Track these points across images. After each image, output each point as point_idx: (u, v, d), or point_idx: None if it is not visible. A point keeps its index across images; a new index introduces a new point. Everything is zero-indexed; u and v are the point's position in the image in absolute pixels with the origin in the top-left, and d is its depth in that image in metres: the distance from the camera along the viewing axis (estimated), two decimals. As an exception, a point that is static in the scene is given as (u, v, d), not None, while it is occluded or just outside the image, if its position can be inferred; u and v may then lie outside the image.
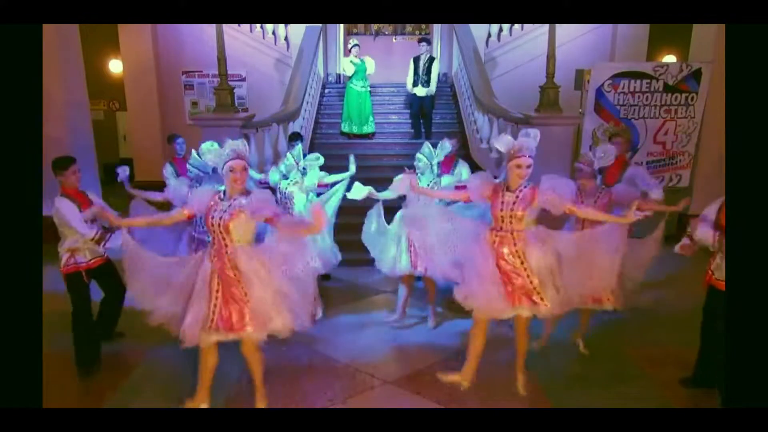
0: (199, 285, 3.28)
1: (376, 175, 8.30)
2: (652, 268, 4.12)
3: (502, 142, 3.46)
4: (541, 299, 3.45)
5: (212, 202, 3.33)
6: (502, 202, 3.47)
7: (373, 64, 9.13)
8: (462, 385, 3.77)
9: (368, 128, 9.08)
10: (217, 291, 3.23)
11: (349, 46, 9.20)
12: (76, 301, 4.13)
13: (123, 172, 5.13)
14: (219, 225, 3.23)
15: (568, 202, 3.42)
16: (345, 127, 9.13)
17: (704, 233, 3.54)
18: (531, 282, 3.44)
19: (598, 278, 3.60)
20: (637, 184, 4.57)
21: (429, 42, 9.18)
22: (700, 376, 3.80)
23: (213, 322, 3.22)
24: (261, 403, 3.57)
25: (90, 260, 4.13)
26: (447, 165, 5.48)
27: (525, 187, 3.46)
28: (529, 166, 3.41)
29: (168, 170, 5.80)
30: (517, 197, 3.44)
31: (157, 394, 3.84)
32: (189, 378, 3.96)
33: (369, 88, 9.10)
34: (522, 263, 3.45)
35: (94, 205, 4.04)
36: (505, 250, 3.48)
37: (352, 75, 8.96)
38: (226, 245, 3.24)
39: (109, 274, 4.33)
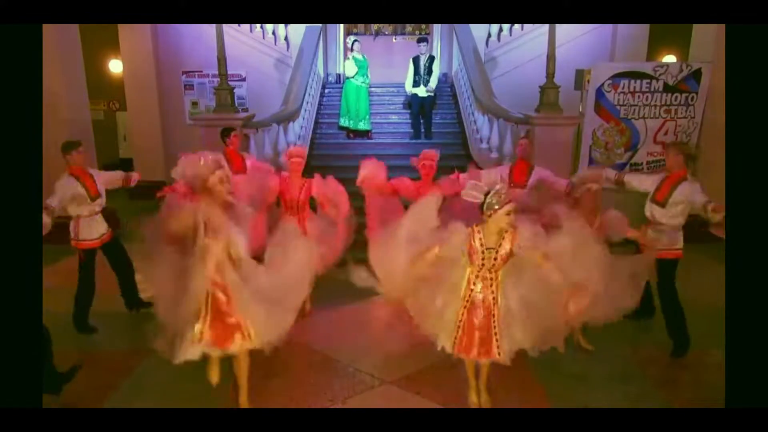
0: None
1: (376, 175, 8.32)
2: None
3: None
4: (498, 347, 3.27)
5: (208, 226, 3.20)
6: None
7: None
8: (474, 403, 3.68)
9: (363, 125, 9.04)
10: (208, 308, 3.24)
11: (349, 43, 9.21)
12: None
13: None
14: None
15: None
16: (342, 122, 9.13)
17: None
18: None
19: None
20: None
21: (428, 41, 9.19)
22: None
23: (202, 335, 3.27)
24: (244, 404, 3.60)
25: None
26: (520, 172, 5.36)
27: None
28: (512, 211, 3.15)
29: (71, 183, 4.60)
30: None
31: (157, 394, 3.84)
32: (189, 378, 3.96)
33: (368, 85, 9.10)
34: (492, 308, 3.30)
35: None
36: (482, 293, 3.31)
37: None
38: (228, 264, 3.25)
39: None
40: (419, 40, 9.17)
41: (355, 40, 9.11)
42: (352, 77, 8.95)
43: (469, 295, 3.28)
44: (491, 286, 3.25)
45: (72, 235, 4.69)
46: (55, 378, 3.79)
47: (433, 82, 8.87)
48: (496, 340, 3.25)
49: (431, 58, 8.91)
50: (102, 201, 4.77)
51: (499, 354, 3.25)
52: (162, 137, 9.91)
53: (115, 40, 9.72)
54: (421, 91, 8.82)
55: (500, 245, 3.18)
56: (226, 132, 5.87)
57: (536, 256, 3.16)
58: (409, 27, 11.60)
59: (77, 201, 4.57)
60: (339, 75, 10.70)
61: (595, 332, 4.52)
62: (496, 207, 3.08)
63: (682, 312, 4.31)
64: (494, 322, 3.25)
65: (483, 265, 3.21)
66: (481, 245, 3.18)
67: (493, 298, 3.25)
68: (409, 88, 8.96)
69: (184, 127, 9.61)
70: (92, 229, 4.70)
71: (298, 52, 9.63)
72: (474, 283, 3.27)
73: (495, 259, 3.19)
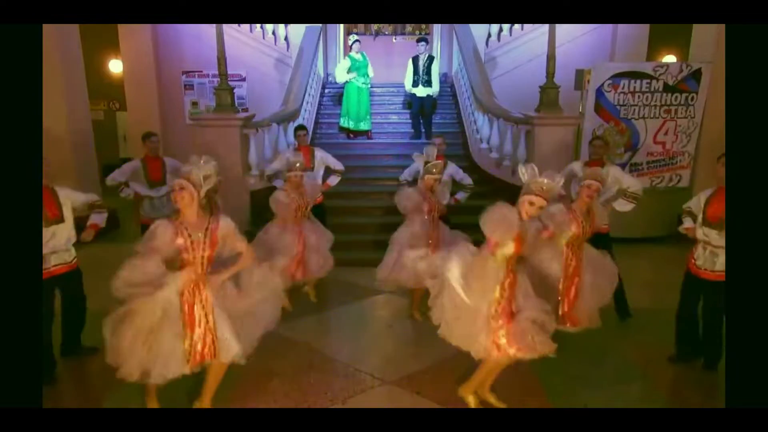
0: (162, 316, 3.05)
1: (375, 175, 8.33)
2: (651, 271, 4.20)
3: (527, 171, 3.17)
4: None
5: (181, 234, 3.07)
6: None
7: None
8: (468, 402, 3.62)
9: (364, 125, 9.06)
10: (205, 320, 3.15)
11: (350, 42, 9.23)
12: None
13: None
14: (203, 260, 3.12)
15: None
16: (343, 123, 9.15)
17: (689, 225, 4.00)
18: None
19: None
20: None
21: (427, 41, 9.21)
22: (682, 352, 4.20)
23: (192, 355, 3.13)
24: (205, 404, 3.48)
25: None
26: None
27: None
28: (541, 208, 3.12)
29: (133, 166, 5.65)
30: None
31: (157, 394, 3.83)
32: (189, 378, 3.95)
33: (369, 86, 9.10)
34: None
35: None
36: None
37: (354, 70, 8.96)
38: (205, 276, 3.17)
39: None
40: (419, 40, 9.17)
41: (355, 40, 9.13)
42: (350, 80, 8.95)
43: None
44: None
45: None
46: (74, 346, 4.20)
47: (436, 86, 8.90)
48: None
49: (430, 58, 8.91)
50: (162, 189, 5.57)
51: None
52: (162, 137, 9.87)
53: (115, 40, 9.72)
54: (420, 91, 8.82)
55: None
56: (295, 129, 6.58)
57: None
58: (409, 27, 11.61)
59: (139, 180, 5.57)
60: (339, 75, 10.72)
61: (595, 332, 4.52)
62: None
63: None
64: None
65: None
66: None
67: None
68: (408, 87, 8.98)
69: (184, 127, 9.62)
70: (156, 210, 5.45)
71: (298, 52, 9.64)
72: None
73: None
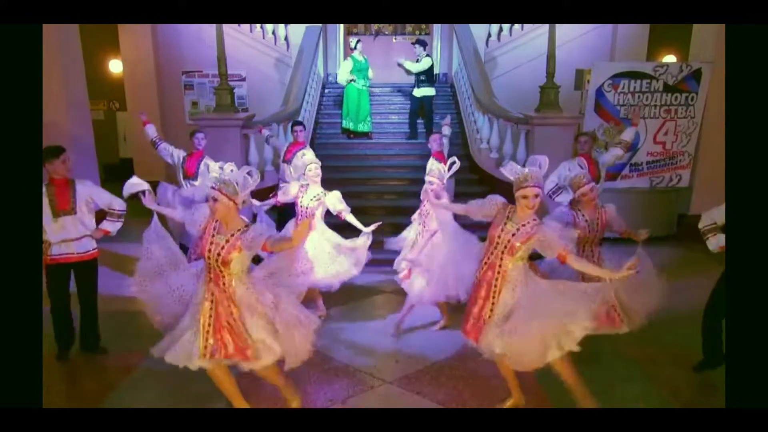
0: (193, 308, 3.24)
1: (375, 174, 8.34)
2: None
3: (509, 170, 3.29)
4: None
5: (207, 231, 3.21)
6: (502, 228, 3.28)
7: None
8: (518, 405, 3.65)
9: (364, 127, 9.07)
10: (210, 318, 3.18)
11: (352, 43, 9.24)
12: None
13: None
14: (217, 260, 3.14)
15: (562, 248, 3.19)
16: (344, 124, 9.16)
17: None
18: (483, 317, 3.32)
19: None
20: None
21: (424, 45, 9.20)
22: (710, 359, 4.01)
23: (206, 349, 3.17)
24: (294, 403, 3.56)
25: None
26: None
27: (531, 221, 3.23)
28: (536, 196, 3.18)
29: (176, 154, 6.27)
30: (518, 229, 3.22)
31: (157, 394, 3.84)
32: (189, 378, 3.95)
33: (368, 87, 9.11)
34: (492, 294, 3.30)
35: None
36: (488, 275, 3.32)
37: (356, 72, 8.97)
38: (224, 277, 3.17)
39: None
40: (415, 42, 9.17)
41: (358, 41, 9.15)
42: (351, 81, 8.95)
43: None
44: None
45: None
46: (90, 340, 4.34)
47: (423, 65, 8.85)
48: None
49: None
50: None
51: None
52: (162, 137, 9.89)
53: (115, 40, 9.72)
54: (418, 92, 8.85)
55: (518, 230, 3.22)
56: (292, 124, 6.84)
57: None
58: (409, 27, 11.59)
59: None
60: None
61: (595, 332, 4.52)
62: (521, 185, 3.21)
63: None
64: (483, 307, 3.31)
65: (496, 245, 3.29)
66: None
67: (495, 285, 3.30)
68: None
69: (184, 127, 9.61)
70: None
71: (298, 52, 9.63)
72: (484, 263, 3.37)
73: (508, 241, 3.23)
